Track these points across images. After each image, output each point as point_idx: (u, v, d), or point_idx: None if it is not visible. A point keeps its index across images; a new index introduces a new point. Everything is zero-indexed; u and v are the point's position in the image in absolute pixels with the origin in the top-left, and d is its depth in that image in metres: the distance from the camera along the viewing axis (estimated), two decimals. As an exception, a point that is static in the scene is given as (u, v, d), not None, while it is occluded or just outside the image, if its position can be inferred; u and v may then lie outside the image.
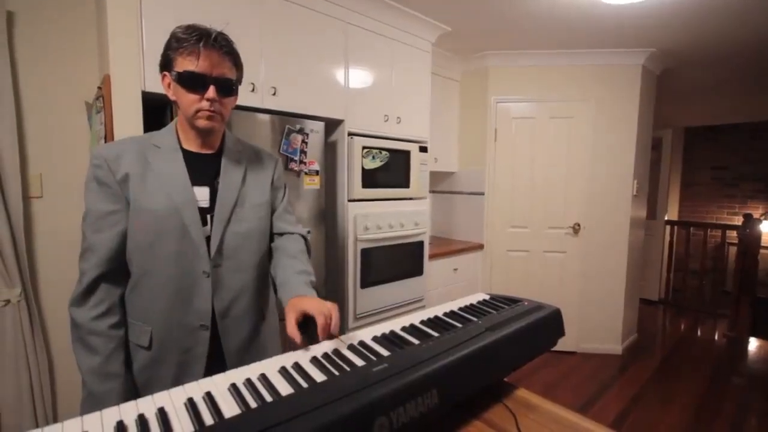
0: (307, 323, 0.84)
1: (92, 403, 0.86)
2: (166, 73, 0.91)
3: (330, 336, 0.83)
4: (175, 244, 0.92)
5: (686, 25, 2.48)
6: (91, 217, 0.90)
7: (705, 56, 3.02)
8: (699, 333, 3.88)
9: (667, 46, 2.87)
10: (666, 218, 4.98)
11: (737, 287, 3.80)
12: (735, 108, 4.71)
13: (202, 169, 0.97)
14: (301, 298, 0.89)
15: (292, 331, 0.82)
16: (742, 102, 4.42)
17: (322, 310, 0.82)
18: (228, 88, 0.92)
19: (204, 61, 0.86)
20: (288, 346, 0.84)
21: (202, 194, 0.96)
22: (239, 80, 0.96)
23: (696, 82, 3.76)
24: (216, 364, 0.97)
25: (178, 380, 0.93)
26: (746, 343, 3.57)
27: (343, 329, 2.20)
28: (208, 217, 0.96)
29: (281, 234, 1.10)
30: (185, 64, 0.87)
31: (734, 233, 4.28)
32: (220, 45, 0.88)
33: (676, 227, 4.97)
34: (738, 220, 4.88)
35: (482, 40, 2.86)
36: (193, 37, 0.86)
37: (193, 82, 0.87)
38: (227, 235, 0.97)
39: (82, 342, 0.88)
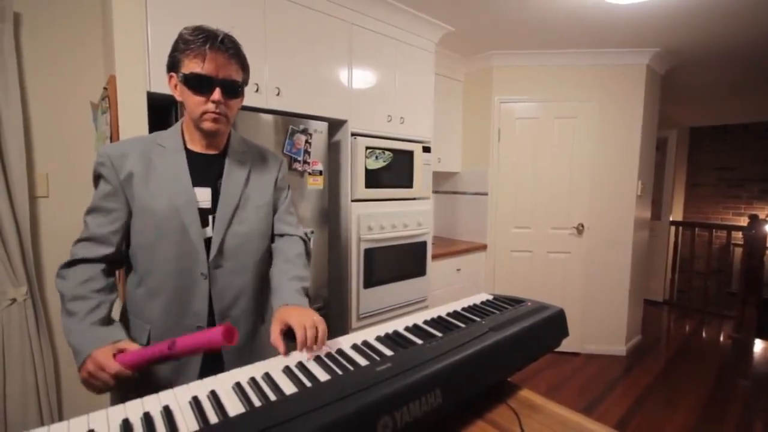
0: (292, 334, 0.82)
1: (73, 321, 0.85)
2: (173, 74, 0.92)
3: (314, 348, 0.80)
4: (175, 245, 0.92)
5: (691, 24, 2.46)
6: (95, 212, 0.92)
7: (710, 56, 3.00)
8: (704, 334, 3.86)
9: (672, 46, 2.85)
10: (671, 219, 4.95)
11: (743, 288, 3.77)
12: (741, 108, 4.67)
13: (206, 169, 0.97)
14: (288, 308, 0.88)
15: (275, 340, 0.81)
16: (748, 102, 4.39)
17: (304, 323, 0.80)
18: (234, 90, 0.92)
19: (210, 63, 0.87)
20: (287, 350, 0.83)
21: (203, 195, 0.96)
22: (245, 82, 0.96)
23: (701, 82, 3.74)
24: (213, 365, 0.97)
25: (172, 382, 0.92)
26: (752, 344, 3.55)
27: (346, 329, 2.20)
28: (210, 218, 0.96)
29: (281, 235, 1.10)
30: (192, 65, 0.87)
31: (740, 234, 4.25)
32: (227, 47, 0.89)
33: (680, 228, 4.94)
34: (743, 221, 4.84)
35: (486, 40, 2.85)
36: (199, 39, 0.86)
37: (199, 84, 0.88)
38: (228, 236, 0.97)
39: (67, 312, 0.87)
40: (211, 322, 0.97)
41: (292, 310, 0.87)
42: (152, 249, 0.92)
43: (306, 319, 0.81)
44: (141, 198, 0.91)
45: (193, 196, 0.94)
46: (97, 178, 0.92)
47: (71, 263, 0.90)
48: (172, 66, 0.91)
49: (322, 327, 0.81)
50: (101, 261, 0.91)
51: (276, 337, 0.82)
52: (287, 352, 0.80)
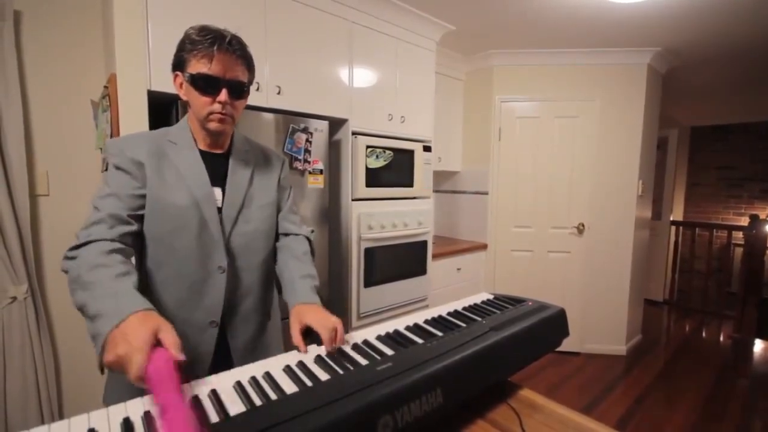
0: (310, 333, 0.85)
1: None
2: (179, 73, 0.91)
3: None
4: (193, 239, 0.92)
5: (693, 23, 2.46)
6: (110, 197, 0.86)
7: (712, 55, 3.00)
8: (704, 334, 3.86)
9: (673, 45, 2.85)
10: (671, 219, 4.95)
11: (743, 288, 3.76)
12: (742, 108, 4.67)
13: (214, 169, 0.98)
14: (306, 307, 0.90)
15: (298, 341, 0.83)
16: (749, 102, 4.38)
17: (326, 325, 0.82)
18: (240, 90, 0.92)
19: (217, 64, 0.87)
20: (291, 345, 0.84)
21: (216, 194, 0.97)
22: (251, 82, 0.96)
23: (702, 82, 3.73)
24: (220, 362, 0.97)
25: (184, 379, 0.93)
26: (752, 344, 3.55)
27: (347, 328, 2.20)
28: (220, 216, 0.97)
29: (286, 234, 1.11)
30: (198, 66, 0.87)
31: (740, 234, 4.25)
32: (234, 48, 0.89)
33: (681, 228, 4.93)
34: (744, 221, 4.83)
35: (487, 39, 2.85)
36: (207, 40, 0.86)
37: (206, 85, 0.88)
38: (234, 235, 0.98)
39: (83, 286, 0.72)
40: (220, 320, 0.97)
41: (309, 310, 0.88)
42: (167, 242, 0.91)
43: (326, 322, 0.83)
44: (155, 190, 0.90)
45: (212, 192, 0.95)
46: (112, 169, 0.89)
47: (83, 244, 0.79)
48: (178, 65, 0.91)
49: (340, 328, 0.84)
50: (119, 241, 0.82)
51: (297, 339, 0.84)
52: (307, 350, 0.82)
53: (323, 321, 0.84)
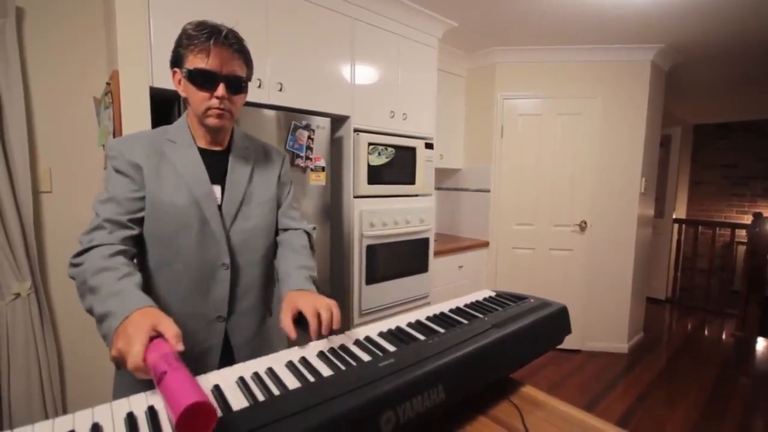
0: (303, 319, 0.83)
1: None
2: (177, 69, 0.91)
3: (332, 332, 0.82)
4: (195, 237, 0.93)
5: (697, 20, 2.44)
6: (110, 202, 0.87)
7: (716, 52, 2.98)
8: (706, 332, 3.85)
9: (677, 42, 2.83)
10: (674, 216, 4.94)
11: (746, 286, 3.76)
12: (746, 105, 4.64)
13: (213, 166, 0.97)
14: (298, 293, 0.89)
15: (287, 325, 0.82)
16: (753, 99, 4.35)
17: (316, 309, 0.80)
18: (238, 85, 0.92)
19: (214, 59, 0.87)
20: (294, 341, 0.84)
21: (216, 192, 0.97)
22: (249, 77, 0.96)
23: (706, 79, 3.71)
24: (223, 357, 0.98)
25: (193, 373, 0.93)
26: (754, 342, 3.54)
27: (348, 325, 2.21)
28: (220, 213, 0.97)
29: (286, 229, 1.11)
30: (196, 61, 0.87)
31: (743, 232, 4.24)
32: (231, 43, 0.88)
33: (683, 226, 4.92)
34: (747, 219, 4.81)
35: (489, 36, 2.84)
36: (203, 35, 0.86)
37: (203, 80, 0.88)
38: (233, 233, 0.98)
39: (90, 290, 0.75)
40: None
41: (301, 295, 0.87)
42: (171, 241, 0.92)
43: (319, 304, 0.81)
44: (154, 191, 0.90)
45: (211, 190, 0.95)
46: (111, 171, 0.90)
47: (86, 250, 0.81)
48: (176, 61, 0.91)
49: (336, 310, 0.82)
50: (120, 244, 0.84)
51: (287, 323, 0.82)
52: (297, 339, 0.80)
53: (314, 306, 0.82)
